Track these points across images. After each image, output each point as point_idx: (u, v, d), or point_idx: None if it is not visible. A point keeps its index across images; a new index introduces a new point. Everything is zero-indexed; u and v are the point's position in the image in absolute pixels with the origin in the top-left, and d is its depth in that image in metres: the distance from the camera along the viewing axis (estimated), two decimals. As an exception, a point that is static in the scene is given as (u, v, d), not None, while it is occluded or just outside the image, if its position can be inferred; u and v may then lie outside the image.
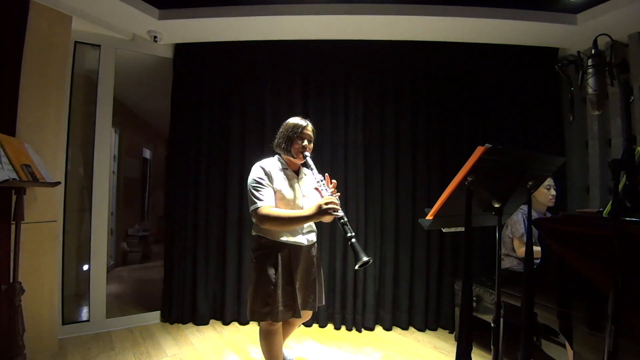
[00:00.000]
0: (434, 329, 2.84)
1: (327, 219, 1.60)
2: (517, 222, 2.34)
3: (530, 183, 1.33)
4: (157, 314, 2.95)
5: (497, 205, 1.27)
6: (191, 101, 2.95)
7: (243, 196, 2.91)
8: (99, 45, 2.75)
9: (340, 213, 1.53)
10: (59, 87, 2.39)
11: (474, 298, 2.33)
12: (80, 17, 2.46)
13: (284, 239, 1.67)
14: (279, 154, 1.79)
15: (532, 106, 2.94)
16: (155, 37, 2.77)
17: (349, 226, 1.51)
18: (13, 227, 1.91)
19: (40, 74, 2.26)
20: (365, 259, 1.43)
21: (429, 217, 1.23)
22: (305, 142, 1.72)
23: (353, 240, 1.47)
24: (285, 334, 1.93)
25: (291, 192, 1.71)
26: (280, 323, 1.71)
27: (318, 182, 1.64)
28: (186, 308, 2.88)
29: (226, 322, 2.89)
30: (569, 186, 2.96)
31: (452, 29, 2.71)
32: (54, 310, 2.39)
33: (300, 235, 1.73)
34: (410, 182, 2.91)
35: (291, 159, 1.75)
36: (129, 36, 2.81)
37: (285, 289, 1.63)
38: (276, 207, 1.63)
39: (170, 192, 2.99)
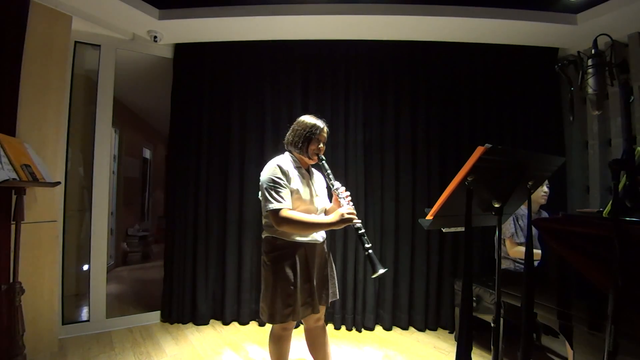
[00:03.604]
0: (434, 329, 2.84)
1: (340, 226, 1.61)
2: (506, 222, 2.32)
3: (530, 183, 1.33)
4: (157, 314, 2.95)
5: (497, 205, 1.27)
6: (191, 101, 2.95)
7: (243, 196, 2.91)
8: (99, 45, 2.75)
9: (359, 224, 1.54)
10: (59, 87, 2.39)
11: (474, 298, 2.33)
12: (80, 17, 2.46)
13: (300, 238, 1.65)
14: (290, 152, 1.74)
15: (532, 106, 2.94)
16: (155, 37, 2.77)
17: (366, 237, 1.52)
18: (13, 227, 1.91)
19: (40, 74, 2.26)
20: (381, 271, 1.44)
21: (429, 217, 1.23)
22: (321, 144, 1.70)
23: (370, 251, 1.49)
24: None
25: (307, 192, 1.68)
26: (292, 329, 1.73)
27: (336, 189, 1.63)
28: (186, 308, 2.88)
29: (226, 322, 2.89)
30: (569, 186, 2.96)
31: (452, 29, 2.71)
32: (54, 310, 2.38)
33: (315, 233, 1.72)
34: (410, 182, 2.91)
35: (305, 158, 1.72)
36: (129, 36, 2.81)
37: (304, 287, 1.62)
38: (293, 207, 1.61)
39: (170, 192, 2.99)
